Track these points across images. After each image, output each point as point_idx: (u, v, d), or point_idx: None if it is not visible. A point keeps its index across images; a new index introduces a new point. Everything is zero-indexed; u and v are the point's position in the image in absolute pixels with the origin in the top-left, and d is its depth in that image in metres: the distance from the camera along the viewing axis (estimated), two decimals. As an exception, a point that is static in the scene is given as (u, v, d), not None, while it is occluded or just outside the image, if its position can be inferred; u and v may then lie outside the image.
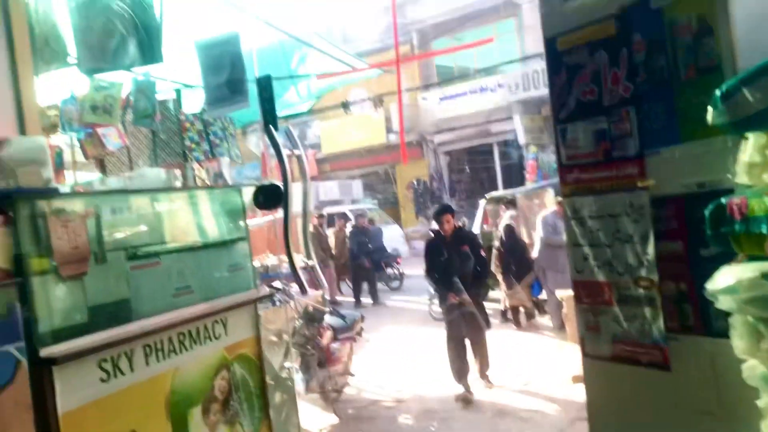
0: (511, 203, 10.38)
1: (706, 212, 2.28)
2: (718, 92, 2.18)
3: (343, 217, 16.09)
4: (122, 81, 5.37)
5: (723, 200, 2.23)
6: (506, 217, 9.81)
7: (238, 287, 3.82)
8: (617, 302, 2.87)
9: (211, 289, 3.62)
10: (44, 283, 2.69)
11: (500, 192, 13.45)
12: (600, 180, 2.84)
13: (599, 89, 2.79)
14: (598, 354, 3.00)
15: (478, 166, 21.79)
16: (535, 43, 16.77)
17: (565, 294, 7.04)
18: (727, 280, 2.21)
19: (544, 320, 9.30)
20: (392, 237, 17.32)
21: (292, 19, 6.51)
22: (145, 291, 3.19)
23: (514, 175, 19.56)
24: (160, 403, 3.09)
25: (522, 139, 18.73)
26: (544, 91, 16.89)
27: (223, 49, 3.90)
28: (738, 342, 2.26)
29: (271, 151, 4.07)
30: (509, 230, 9.51)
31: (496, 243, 9.65)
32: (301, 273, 3.88)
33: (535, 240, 9.25)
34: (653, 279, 2.70)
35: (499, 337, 8.02)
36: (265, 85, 3.73)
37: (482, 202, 11.76)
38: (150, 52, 4.31)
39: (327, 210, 16.34)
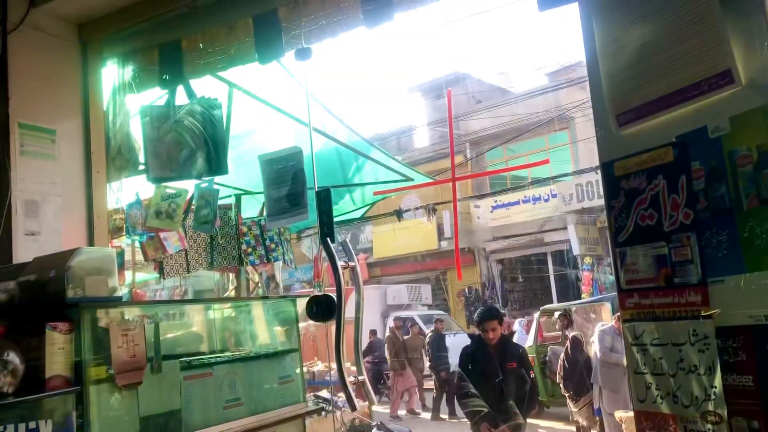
0: (566, 316, 10.11)
1: (777, 347, 2.17)
2: (783, 224, 2.14)
3: (414, 322, 15.75)
4: (187, 188, 5.54)
5: (795, 336, 2.13)
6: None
7: (287, 400, 3.77)
8: (683, 437, 2.70)
9: (260, 402, 3.58)
10: (100, 392, 2.72)
11: (555, 305, 13.19)
12: (661, 306, 2.75)
13: (659, 214, 2.75)
14: (663, 492, 2.82)
15: (532, 275, 21.53)
16: (589, 154, 16.89)
17: (625, 415, 6.69)
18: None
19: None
20: (462, 345, 16.71)
21: (350, 129, 6.74)
22: (197, 402, 3.18)
23: (569, 286, 19.21)
24: None
25: (576, 250, 18.52)
26: (598, 202, 16.83)
27: (286, 164, 4.06)
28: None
29: (327, 261, 4.12)
30: (575, 342, 8.99)
31: (562, 355, 9.23)
32: (350, 386, 3.83)
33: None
34: (722, 414, 2.55)
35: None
36: (324, 198, 3.82)
37: (536, 315, 11.56)
38: (217, 164, 4.50)
39: (394, 315, 16.07)
